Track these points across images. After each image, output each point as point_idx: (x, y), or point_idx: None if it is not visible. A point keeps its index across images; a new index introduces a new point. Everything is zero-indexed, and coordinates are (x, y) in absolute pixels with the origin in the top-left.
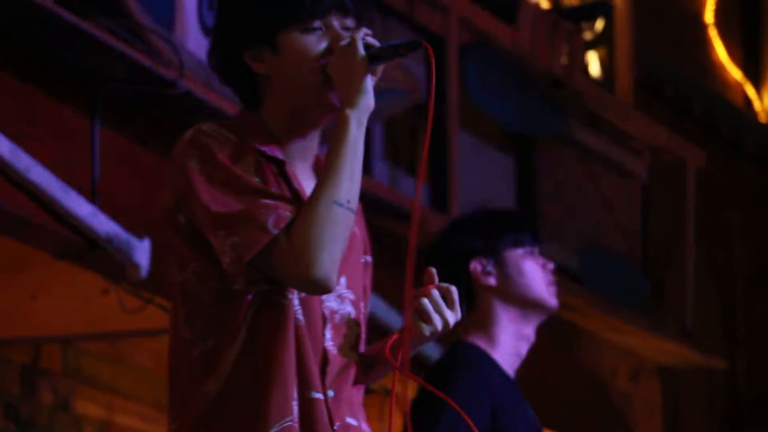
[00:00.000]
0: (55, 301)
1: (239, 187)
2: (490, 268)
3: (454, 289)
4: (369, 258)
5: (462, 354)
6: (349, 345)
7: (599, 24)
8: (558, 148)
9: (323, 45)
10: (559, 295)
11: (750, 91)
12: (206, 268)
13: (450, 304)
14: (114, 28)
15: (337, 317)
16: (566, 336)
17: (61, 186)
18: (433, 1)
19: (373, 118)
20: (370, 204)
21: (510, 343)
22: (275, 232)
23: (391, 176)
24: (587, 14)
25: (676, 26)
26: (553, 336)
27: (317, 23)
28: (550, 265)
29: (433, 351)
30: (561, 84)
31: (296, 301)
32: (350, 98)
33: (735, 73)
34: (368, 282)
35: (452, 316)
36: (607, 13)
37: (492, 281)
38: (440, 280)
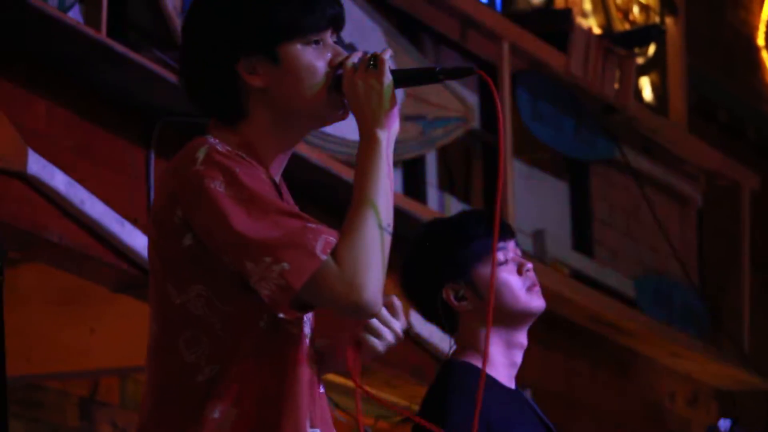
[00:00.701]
0: (113, 334)
1: (275, 211)
2: (462, 292)
3: (396, 301)
4: None
5: (455, 376)
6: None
7: (651, 49)
8: (611, 173)
9: (325, 58)
10: (617, 320)
11: None
12: (215, 291)
13: (396, 316)
14: (168, 61)
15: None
16: (624, 361)
17: (118, 219)
18: (485, 29)
19: (428, 145)
20: None
21: (502, 356)
22: (324, 257)
23: (445, 203)
24: (639, 39)
25: (728, 49)
26: (612, 361)
27: (316, 37)
28: (528, 265)
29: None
30: (614, 109)
31: (306, 331)
32: (378, 120)
33: None
34: None
35: (399, 326)
36: (659, 38)
37: (468, 306)
38: (417, 306)
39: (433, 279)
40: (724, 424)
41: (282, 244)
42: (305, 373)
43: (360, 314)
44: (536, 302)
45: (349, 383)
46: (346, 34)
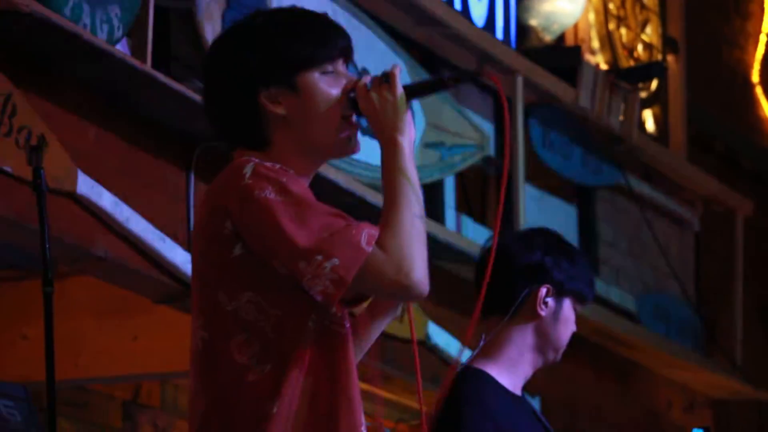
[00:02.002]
0: (154, 342)
1: (321, 213)
2: (550, 300)
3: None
4: None
5: (469, 385)
6: None
7: (654, 84)
8: (616, 198)
9: (340, 84)
10: (619, 333)
11: None
12: (265, 297)
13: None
14: None
15: None
16: (625, 371)
17: (159, 235)
18: (501, 64)
19: (446, 171)
20: (443, 249)
21: (521, 371)
22: (369, 249)
23: (462, 225)
24: (643, 75)
25: (725, 86)
26: (613, 371)
27: (330, 66)
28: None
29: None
30: (619, 139)
31: (349, 330)
32: (396, 127)
33: None
34: None
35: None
36: (662, 74)
37: (543, 312)
38: (501, 285)
39: (544, 274)
40: None
41: (331, 243)
42: (354, 370)
43: (410, 295)
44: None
45: (366, 387)
46: (372, 67)
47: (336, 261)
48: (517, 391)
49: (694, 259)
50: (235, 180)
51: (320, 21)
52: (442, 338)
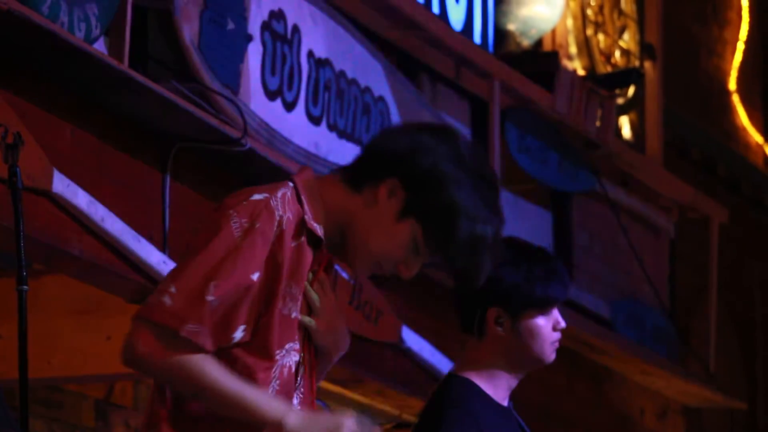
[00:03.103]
0: None
1: (232, 280)
2: (503, 321)
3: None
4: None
5: (453, 390)
6: None
7: (631, 90)
8: (592, 204)
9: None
10: (593, 339)
11: None
12: None
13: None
14: (184, 91)
15: (303, 379)
16: (599, 378)
17: (134, 235)
18: (478, 68)
19: None
20: None
21: (505, 382)
22: (178, 332)
23: None
24: (620, 81)
25: (702, 93)
26: (588, 377)
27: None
28: (562, 324)
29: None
30: (595, 145)
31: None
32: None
33: (756, 136)
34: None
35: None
36: (639, 81)
37: (501, 333)
38: (458, 305)
39: (490, 295)
40: None
41: (189, 290)
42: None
43: (126, 361)
44: (551, 356)
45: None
46: (349, 70)
47: (167, 300)
48: (504, 402)
49: (668, 266)
50: (239, 195)
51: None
52: (415, 342)
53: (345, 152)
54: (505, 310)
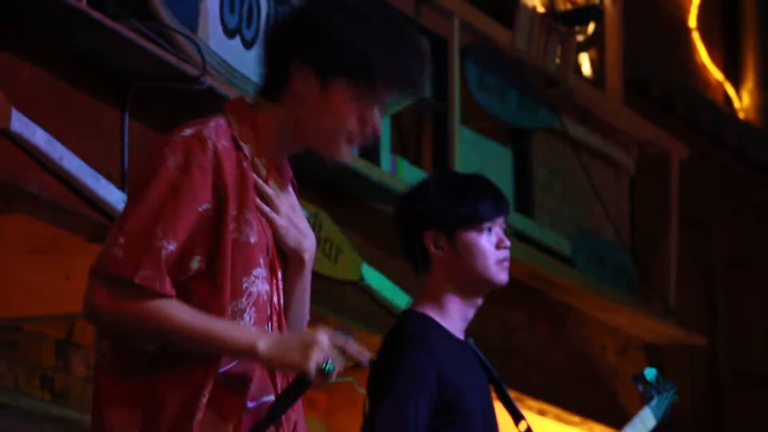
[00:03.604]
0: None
1: (174, 214)
2: (441, 243)
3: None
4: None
5: (411, 326)
6: None
7: (591, 27)
8: (552, 141)
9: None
10: (553, 276)
11: (730, 90)
12: None
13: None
14: (143, 30)
15: (277, 308)
16: (559, 315)
17: (93, 174)
18: (437, 6)
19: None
20: (379, 192)
21: (459, 311)
22: (134, 279)
23: (397, 166)
24: (579, 18)
25: (661, 30)
26: (548, 315)
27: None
28: (507, 242)
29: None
30: (555, 82)
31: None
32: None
33: (716, 73)
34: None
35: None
36: (598, 18)
37: (442, 256)
38: (400, 241)
39: (423, 221)
40: (649, 372)
41: (137, 238)
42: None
43: (88, 317)
44: (501, 276)
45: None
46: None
47: (118, 252)
48: (459, 334)
49: (629, 203)
50: (173, 133)
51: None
52: (376, 279)
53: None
54: (438, 230)
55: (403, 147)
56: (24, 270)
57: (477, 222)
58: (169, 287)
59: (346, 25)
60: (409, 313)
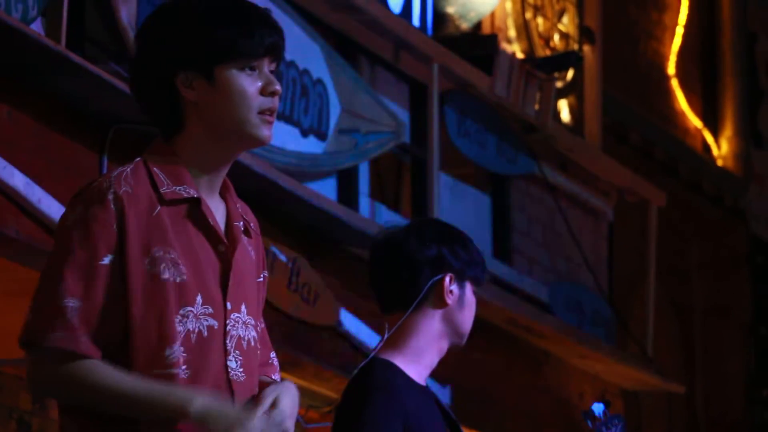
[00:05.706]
0: None
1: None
2: (454, 288)
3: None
4: (265, 273)
5: (378, 374)
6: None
7: (570, 74)
8: (530, 188)
9: (256, 86)
10: (531, 323)
11: (708, 137)
12: None
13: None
14: (122, 72)
15: (244, 344)
16: (537, 361)
17: None
18: (417, 51)
19: (361, 157)
20: (357, 237)
21: (429, 361)
22: (44, 343)
23: (375, 211)
24: (559, 65)
25: (640, 77)
26: (526, 361)
27: (252, 63)
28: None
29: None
30: (534, 128)
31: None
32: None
33: (695, 121)
34: (263, 296)
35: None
36: (577, 64)
37: (450, 301)
38: (394, 287)
39: (437, 262)
40: (597, 408)
41: (42, 301)
42: None
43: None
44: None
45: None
46: (288, 53)
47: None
48: (422, 381)
49: (607, 250)
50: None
51: (251, 13)
52: (353, 324)
53: (283, 135)
54: (459, 277)
55: (382, 192)
56: (1, 312)
57: (480, 281)
58: (85, 346)
59: (185, 19)
60: (374, 362)
